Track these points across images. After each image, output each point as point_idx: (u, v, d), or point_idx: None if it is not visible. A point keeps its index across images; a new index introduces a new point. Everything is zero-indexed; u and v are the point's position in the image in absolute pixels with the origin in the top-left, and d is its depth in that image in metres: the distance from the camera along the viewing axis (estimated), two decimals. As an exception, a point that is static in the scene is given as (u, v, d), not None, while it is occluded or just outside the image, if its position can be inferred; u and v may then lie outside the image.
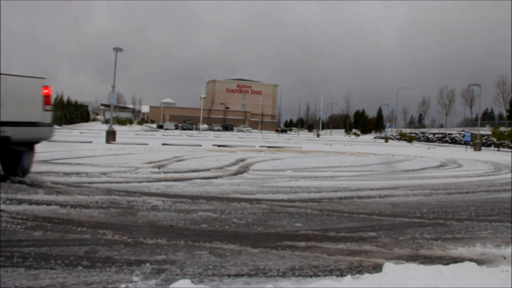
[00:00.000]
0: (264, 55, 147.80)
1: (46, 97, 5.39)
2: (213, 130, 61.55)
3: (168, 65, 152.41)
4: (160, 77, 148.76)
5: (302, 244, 2.87)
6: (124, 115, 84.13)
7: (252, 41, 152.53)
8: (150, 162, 8.23)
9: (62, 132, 28.86)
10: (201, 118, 62.30)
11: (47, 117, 5.40)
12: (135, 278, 2.12)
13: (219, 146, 17.37)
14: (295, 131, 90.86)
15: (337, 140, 40.15)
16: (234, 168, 7.85)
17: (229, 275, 2.23)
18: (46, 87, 5.43)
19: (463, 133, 30.10)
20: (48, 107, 5.41)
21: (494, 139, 28.36)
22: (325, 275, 2.29)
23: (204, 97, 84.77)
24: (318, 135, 63.48)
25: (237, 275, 2.24)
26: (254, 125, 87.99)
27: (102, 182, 5.32)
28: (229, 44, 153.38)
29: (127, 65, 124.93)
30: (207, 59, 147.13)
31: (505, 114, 55.72)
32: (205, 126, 64.81)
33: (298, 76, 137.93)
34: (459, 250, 2.85)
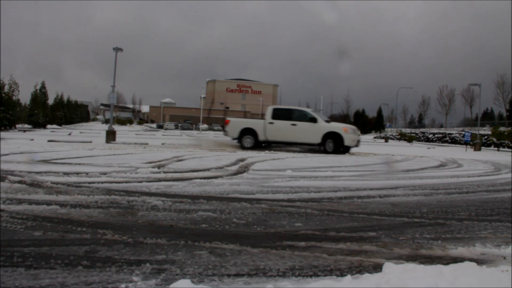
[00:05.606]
0: (272, 51, 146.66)
1: None
2: (213, 130, 61.52)
3: (171, 63, 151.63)
4: (161, 76, 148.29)
5: (302, 244, 2.87)
6: (124, 115, 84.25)
7: (266, 35, 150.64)
8: (150, 162, 8.23)
9: (62, 132, 28.86)
10: (201, 118, 62.27)
11: None
12: (135, 278, 2.12)
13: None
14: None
15: (337, 140, 40.04)
16: (234, 168, 7.85)
17: (229, 275, 2.23)
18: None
19: (463, 133, 30.09)
20: None
21: (494, 139, 28.33)
22: (325, 275, 2.29)
23: (204, 97, 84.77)
24: (318, 135, 63.31)
25: (237, 275, 2.24)
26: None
27: (102, 182, 5.31)
28: (238, 39, 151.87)
29: (128, 64, 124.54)
30: (213, 55, 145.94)
31: (505, 114, 55.71)
32: (205, 126, 64.79)
33: (303, 74, 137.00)
34: (459, 250, 2.85)
